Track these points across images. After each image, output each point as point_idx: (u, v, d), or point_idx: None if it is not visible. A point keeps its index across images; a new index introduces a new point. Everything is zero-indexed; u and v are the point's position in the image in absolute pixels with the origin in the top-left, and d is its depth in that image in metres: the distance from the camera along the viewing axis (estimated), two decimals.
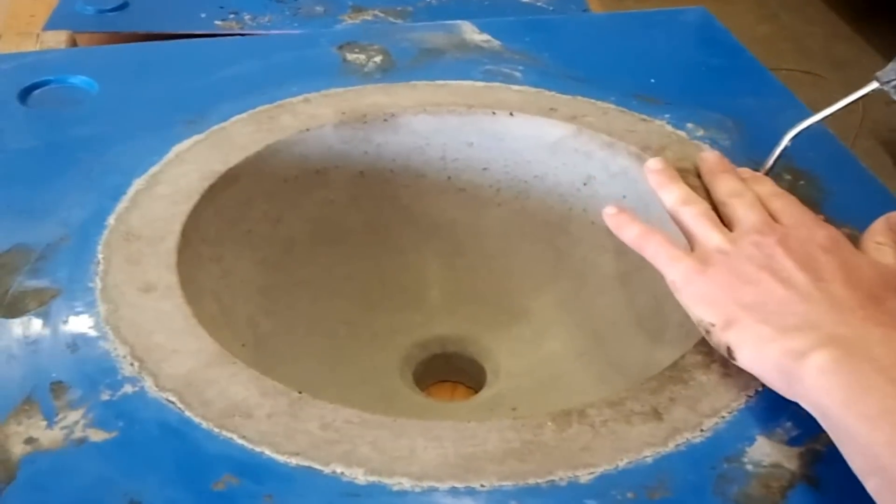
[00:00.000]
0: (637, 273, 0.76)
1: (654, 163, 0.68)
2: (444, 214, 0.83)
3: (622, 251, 0.75)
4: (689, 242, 0.61)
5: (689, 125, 0.78)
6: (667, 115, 0.79)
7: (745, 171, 0.68)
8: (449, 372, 0.82)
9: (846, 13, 2.69)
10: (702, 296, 0.56)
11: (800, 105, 0.82)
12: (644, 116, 0.78)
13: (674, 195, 0.64)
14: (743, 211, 0.61)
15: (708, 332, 0.55)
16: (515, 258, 0.84)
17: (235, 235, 0.72)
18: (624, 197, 0.76)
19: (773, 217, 0.61)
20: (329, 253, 0.80)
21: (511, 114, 0.78)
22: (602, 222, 0.75)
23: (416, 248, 0.84)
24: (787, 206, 0.62)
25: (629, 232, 0.63)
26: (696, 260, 0.58)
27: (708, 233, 0.60)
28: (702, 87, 0.86)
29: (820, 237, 0.58)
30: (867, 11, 2.65)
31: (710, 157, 0.69)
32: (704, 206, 0.62)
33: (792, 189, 0.70)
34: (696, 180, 0.68)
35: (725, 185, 0.65)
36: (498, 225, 0.83)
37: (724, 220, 0.62)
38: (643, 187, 0.73)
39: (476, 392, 0.79)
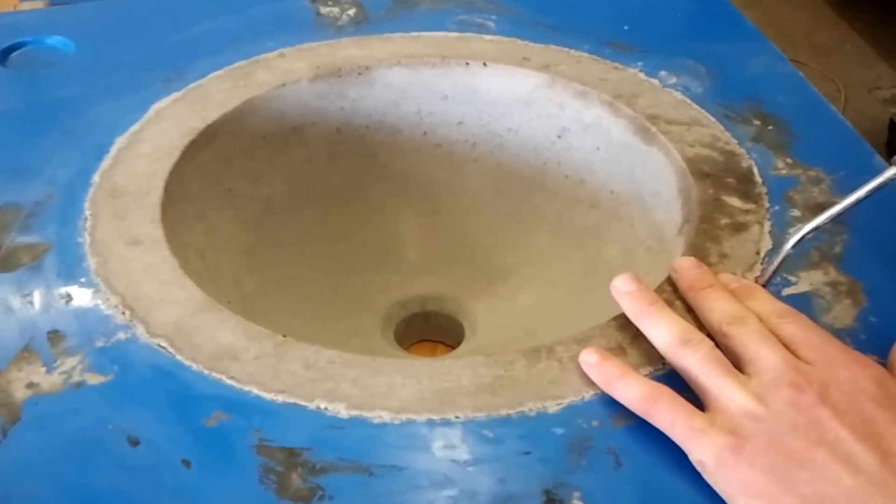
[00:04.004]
0: (609, 225, 0.82)
1: (622, 282, 0.60)
2: (420, 171, 0.89)
3: (596, 204, 0.82)
4: (700, 395, 0.54)
5: (663, 73, 0.84)
6: (640, 63, 0.85)
7: (730, 279, 0.62)
8: (429, 331, 0.88)
9: None
10: (745, 485, 0.48)
11: (773, 49, 0.88)
12: (617, 65, 0.85)
13: (666, 333, 0.56)
14: (755, 348, 0.54)
15: None
16: (492, 215, 0.90)
17: (217, 193, 0.78)
18: (598, 149, 0.82)
19: (788, 348, 0.54)
20: (308, 213, 0.86)
21: (485, 64, 0.84)
22: (575, 175, 0.82)
23: (394, 207, 0.90)
24: (802, 333, 0.55)
25: (628, 392, 0.54)
26: (724, 432, 0.50)
27: (726, 388, 0.52)
28: (675, 33, 0.92)
29: (864, 383, 0.51)
30: None
31: (687, 270, 0.62)
32: (708, 344, 0.55)
33: (760, 135, 0.77)
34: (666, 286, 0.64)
35: (718, 307, 0.58)
36: (474, 181, 0.89)
37: (728, 356, 0.55)
38: (617, 139, 0.80)
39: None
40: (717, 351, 0.54)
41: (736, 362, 0.54)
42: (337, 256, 0.87)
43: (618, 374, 0.55)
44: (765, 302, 0.58)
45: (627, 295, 0.59)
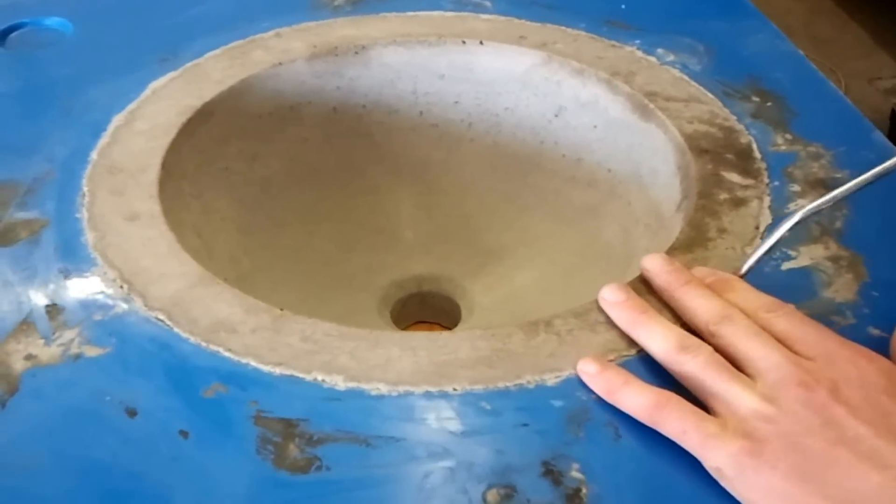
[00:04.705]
0: (606, 204, 0.82)
1: (611, 293, 0.59)
2: (416, 152, 0.89)
3: (593, 183, 0.82)
4: (705, 401, 0.52)
5: (660, 50, 0.83)
6: (637, 41, 0.85)
7: (706, 273, 0.60)
8: (426, 313, 0.88)
9: None
10: (769, 489, 0.46)
11: (771, 27, 0.88)
12: (614, 42, 0.84)
13: (662, 340, 0.55)
14: (751, 347, 0.52)
15: None
16: (488, 195, 0.89)
17: (214, 172, 0.78)
18: (595, 127, 0.82)
19: (783, 344, 0.52)
20: (305, 193, 0.86)
21: (481, 42, 0.84)
22: (573, 154, 0.82)
23: (389, 187, 0.90)
24: (796, 328, 0.54)
25: (633, 400, 0.52)
26: (739, 436, 0.48)
27: (732, 391, 0.50)
28: (673, 11, 0.91)
29: (873, 377, 0.50)
30: None
31: (660, 269, 0.60)
32: (707, 349, 0.53)
33: (759, 111, 0.76)
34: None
35: (700, 306, 0.56)
36: (470, 162, 0.89)
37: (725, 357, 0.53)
38: (615, 116, 0.79)
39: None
40: (717, 355, 0.52)
41: (731, 363, 0.52)
42: (334, 236, 0.87)
43: (621, 382, 0.53)
44: (748, 295, 0.57)
45: (617, 305, 0.58)
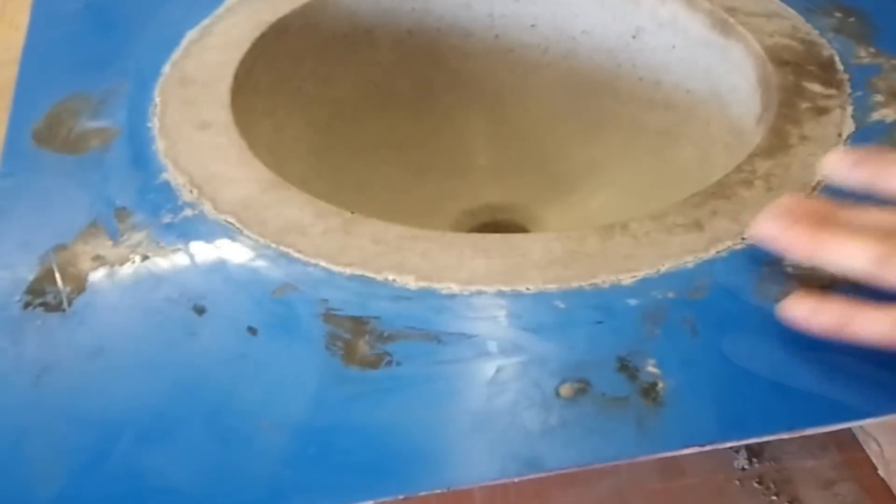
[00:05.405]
0: (684, 126, 0.79)
1: (765, 222, 0.51)
2: (491, 79, 0.87)
3: (671, 105, 0.79)
4: None
5: None
6: None
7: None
8: None
9: None
10: None
11: None
12: None
13: (859, 254, 0.46)
14: None
15: None
16: (562, 122, 0.87)
17: (286, 90, 0.76)
18: (674, 47, 0.79)
19: None
20: (376, 118, 0.84)
21: None
22: (650, 77, 0.79)
23: (463, 113, 0.87)
24: None
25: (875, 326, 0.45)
26: None
27: None
28: None
29: None
30: None
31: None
32: None
33: (841, 26, 0.73)
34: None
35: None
36: (546, 88, 0.87)
37: None
38: (694, 35, 0.77)
39: None
40: None
41: None
42: (405, 163, 0.85)
43: (855, 309, 0.46)
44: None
45: (783, 232, 0.49)
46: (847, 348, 0.47)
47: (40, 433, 0.46)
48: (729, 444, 0.46)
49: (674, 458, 0.46)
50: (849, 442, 0.66)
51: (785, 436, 0.46)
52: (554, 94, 0.87)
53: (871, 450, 0.66)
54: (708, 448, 0.46)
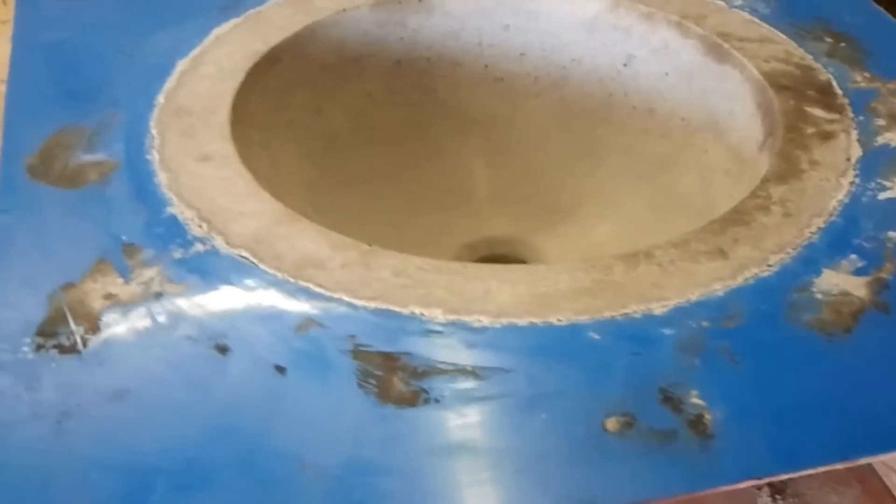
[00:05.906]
0: (681, 154, 0.78)
1: None
2: (482, 109, 0.85)
3: (666, 133, 0.78)
4: None
5: None
6: None
7: None
8: None
9: None
10: None
11: None
12: None
13: None
14: None
15: None
16: (556, 152, 0.85)
17: (280, 123, 0.74)
18: (667, 74, 0.78)
19: None
20: (369, 149, 0.82)
21: None
22: (644, 105, 0.78)
23: (455, 146, 0.85)
24: None
25: None
26: None
27: None
28: None
29: None
30: None
31: None
32: None
33: (833, 51, 0.73)
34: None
35: None
36: (537, 118, 0.85)
37: None
38: (686, 59, 0.76)
39: None
40: None
41: None
42: (399, 196, 0.83)
43: None
44: None
45: None
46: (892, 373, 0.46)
47: (67, 481, 0.43)
48: (786, 476, 0.45)
49: (698, 495, 0.44)
50: (869, 475, 0.65)
51: (839, 466, 0.45)
52: (546, 123, 0.85)
53: (893, 482, 0.65)
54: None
